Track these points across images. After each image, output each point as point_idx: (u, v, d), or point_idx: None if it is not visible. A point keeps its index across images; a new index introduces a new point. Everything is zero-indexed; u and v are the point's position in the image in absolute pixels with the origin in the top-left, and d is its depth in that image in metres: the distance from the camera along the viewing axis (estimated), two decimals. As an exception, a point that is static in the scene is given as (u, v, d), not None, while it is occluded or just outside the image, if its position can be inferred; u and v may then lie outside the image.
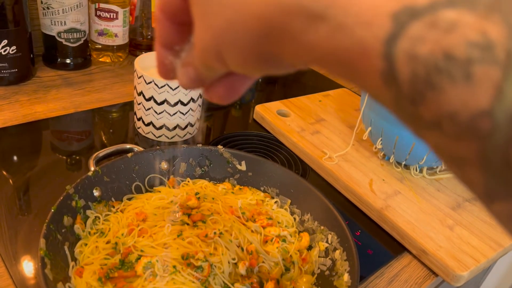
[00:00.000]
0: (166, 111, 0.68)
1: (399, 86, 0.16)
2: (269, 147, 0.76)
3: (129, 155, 0.56)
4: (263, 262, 0.50)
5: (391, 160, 0.71)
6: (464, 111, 0.14)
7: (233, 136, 0.77)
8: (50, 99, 0.79)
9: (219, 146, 0.62)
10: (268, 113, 0.81)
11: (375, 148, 0.72)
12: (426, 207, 0.63)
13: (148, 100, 0.68)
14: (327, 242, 0.53)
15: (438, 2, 0.15)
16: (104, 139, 0.73)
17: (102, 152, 0.58)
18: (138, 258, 0.46)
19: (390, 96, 0.16)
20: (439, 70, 0.15)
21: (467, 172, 0.15)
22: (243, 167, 0.61)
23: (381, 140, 0.68)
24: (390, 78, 0.16)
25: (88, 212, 0.51)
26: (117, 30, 0.90)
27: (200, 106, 0.73)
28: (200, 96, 0.71)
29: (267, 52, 0.20)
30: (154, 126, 0.70)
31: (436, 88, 0.15)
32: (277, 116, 0.80)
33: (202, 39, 0.22)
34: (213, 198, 0.56)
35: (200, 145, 0.62)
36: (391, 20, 0.16)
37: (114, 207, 0.54)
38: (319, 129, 0.79)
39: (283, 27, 0.18)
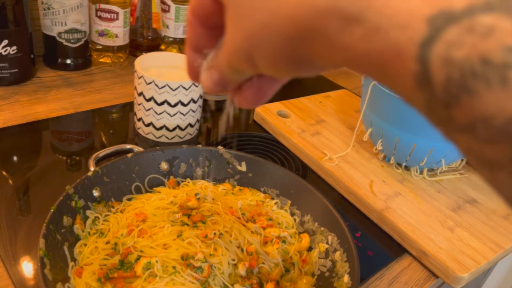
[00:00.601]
0: (166, 112, 0.68)
1: (432, 89, 0.16)
2: (269, 148, 0.76)
3: (129, 155, 0.56)
4: (263, 263, 0.50)
5: (391, 162, 0.70)
6: (499, 115, 0.14)
7: (233, 137, 0.77)
8: (50, 100, 0.79)
9: (219, 147, 0.61)
10: (268, 114, 0.81)
11: (376, 149, 0.72)
12: (427, 209, 0.63)
13: (148, 100, 0.68)
14: (327, 243, 0.52)
15: (475, 6, 0.15)
16: (104, 139, 0.72)
17: (102, 153, 0.58)
18: (138, 259, 0.46)
19: (423, 99, 0.17)
20: (475, 74, 0.15)
21: (498, 176, 0.16)
22: (243, 168, 0.61)
23: (381, 141, 0.68)
24: (424, 81, 0.16)
25: (88, 212, 0.51)
26: (117, 31, 0.90)
27: (200, 107, 0.73)
28: (201, 97, 0.71)
29: (299, 54, 0.20)
30: (154, 126, 0.70)
31: (471, 92, 0.15)
32: (277, 117, 0.80)
33: (233, 41, 0.22)
34: (213, 199, 0.56)
35: (200, 145, 0.62)
36: (427, 24, 0.16)
37: (113, 207, 0.54)
38: (319, 130, 0.79)
39: (317, 29, 0.19)
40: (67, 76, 0.87)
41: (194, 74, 0.28)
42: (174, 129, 0.70)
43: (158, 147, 0.60)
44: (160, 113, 0.68)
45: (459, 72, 0.15)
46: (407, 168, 0.71)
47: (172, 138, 0.72)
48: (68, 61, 0.88)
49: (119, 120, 0.78)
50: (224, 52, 0.24)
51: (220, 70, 0.25)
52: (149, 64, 0.71)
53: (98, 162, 0.57)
